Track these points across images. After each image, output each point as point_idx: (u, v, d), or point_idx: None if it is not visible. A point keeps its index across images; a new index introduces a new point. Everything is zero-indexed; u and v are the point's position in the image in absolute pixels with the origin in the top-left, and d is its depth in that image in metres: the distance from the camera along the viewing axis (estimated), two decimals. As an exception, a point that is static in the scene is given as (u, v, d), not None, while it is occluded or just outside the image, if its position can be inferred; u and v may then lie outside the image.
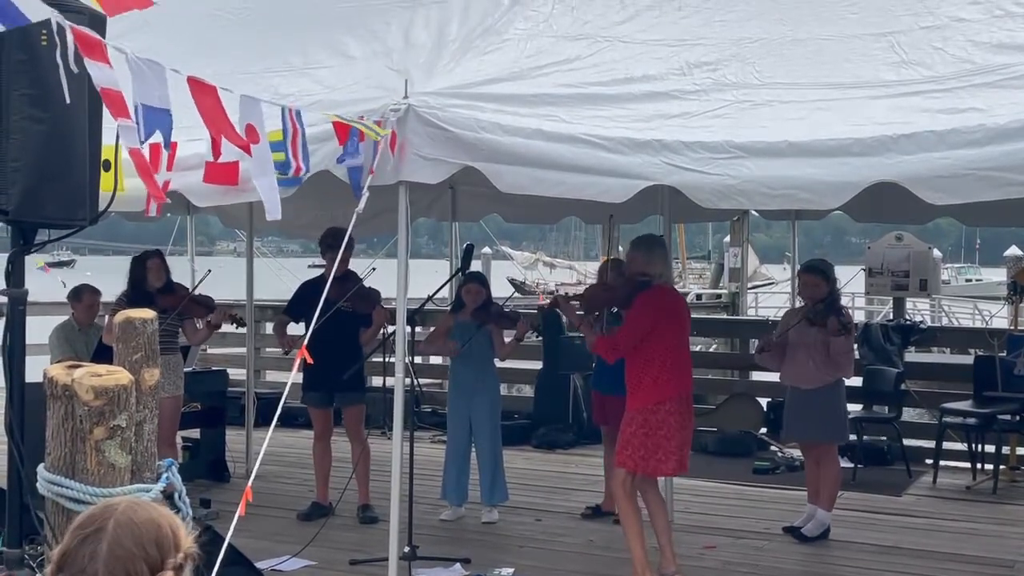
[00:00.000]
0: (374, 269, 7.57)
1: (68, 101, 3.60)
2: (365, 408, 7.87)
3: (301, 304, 7.43)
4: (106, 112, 4.04)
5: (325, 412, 7.83)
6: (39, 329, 7.61)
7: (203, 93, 4.05)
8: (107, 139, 4.14)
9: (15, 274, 4.00)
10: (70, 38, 3.43)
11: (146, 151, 5.29)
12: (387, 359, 7.93)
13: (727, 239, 25.48)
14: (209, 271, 8.37)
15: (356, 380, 7.61)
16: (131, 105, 3.74)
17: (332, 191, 6.22)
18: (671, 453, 6.01)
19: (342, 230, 6.16)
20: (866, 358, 10.04)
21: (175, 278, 7.86)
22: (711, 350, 17.28)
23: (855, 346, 7.41)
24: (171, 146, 5.34)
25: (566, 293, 9.19)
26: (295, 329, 7.92)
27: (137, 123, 3.80)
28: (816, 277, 7.24)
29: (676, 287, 7.53)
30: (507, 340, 7.81)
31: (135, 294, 7.38)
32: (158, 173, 5.42)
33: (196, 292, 7.83)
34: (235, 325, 8.07)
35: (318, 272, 8.33)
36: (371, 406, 7.96)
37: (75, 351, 7.85)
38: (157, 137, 3.96)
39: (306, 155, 5.01)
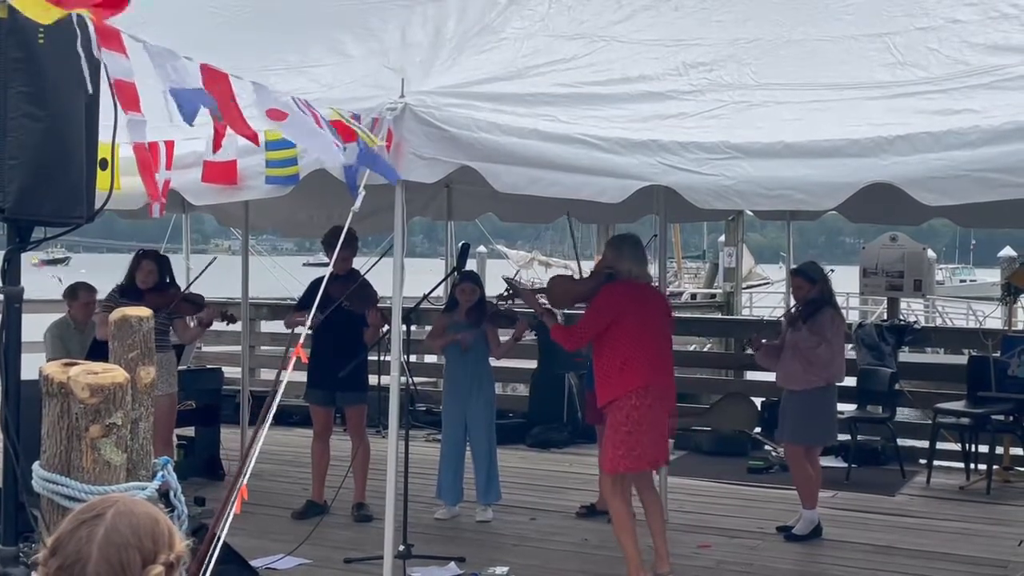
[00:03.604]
0: (385, 254, 7.43)
1: (91, 91, 3.60)
2: (367, 408, 7.87)
3: (311, 301, 7.40)
4: (102, 110, 4.04)
5: (326, 410, 7.83)
6: (35, 327, 7.60)
7: (215, 81, 4.03)
8: (104, 137, 4.14)
9: (11, 272, 4.00)
10: (91, 26, 3.42)
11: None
12: (382, 357, 7.94)
13: (722, 239, 25.50)
14: (214, 258, 8.37)
15: (359, 380, 7.60)
16: (159, 93, 3.71)
17: (328, 190, 6.22)
18: (636, 447, 5.91)
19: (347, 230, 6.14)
20: (860, 358, 10.07)
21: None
22: (705, 350, 17.29)
23: (840, 347, 7.44)
24: (168, 144, 5.37)
25: (532, 284, 9.20)
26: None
27: (179, 107, 3.78)
28: (798, 279, 7.46)
29: (669, 287, 7.53)
30: (504, 339, 7.81)
31: (127, 290, 7.44)
32: (158, 172, 5.42)
33: (190, 288, 7.84)
34: (226, 322, 8.07)
35: (315, 270, 8.33)
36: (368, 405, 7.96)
37: (69, 350, 7.84)
38: (204, 115, 3.93)
39: (333, 131, 4.98)
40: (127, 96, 3.57)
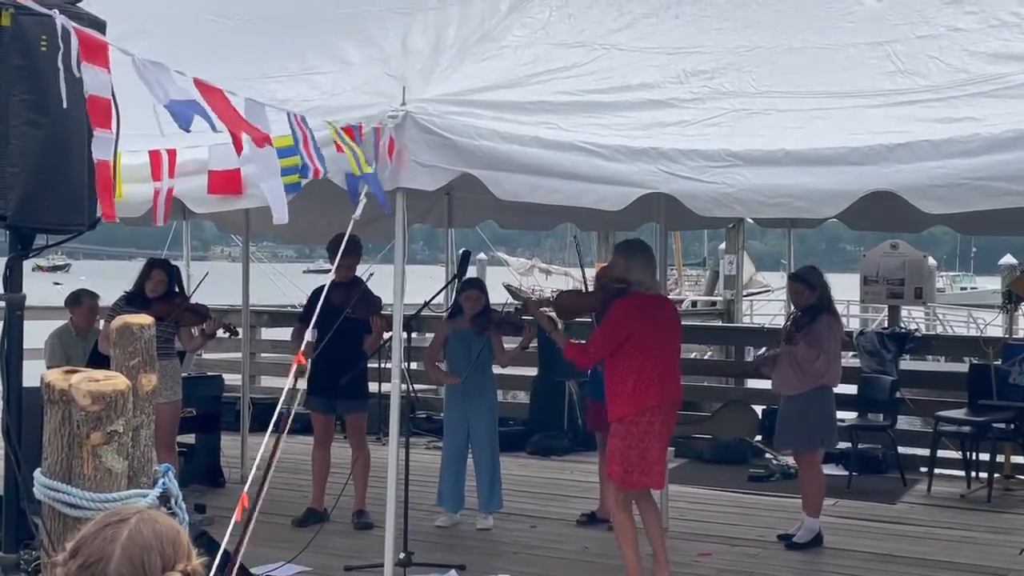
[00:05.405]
0: (371, 275, 7.55)
1: (65, 106, 3.59)
2: (368, 416, 7.86)
3: (314, 311, 7.40)
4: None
5: (327, 418, 7.82)
6: (36, 334, 7.61)
7: (210, 94, 4.04)
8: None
9: (13, 279, 4.00)
10: (74, 41, 3.42)
11: (146, 158, 5.33)
12: (383, 365, 7.94)
13: (723, 246, 25.50)
14: (207, 273, 8.39)
15: (359, 387, 7.59)
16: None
17: (330, 197, 6.23)
18: (654, 464, 5.95)
19: (350, 237, 6.14)
20: (862, 365, 10.06)
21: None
22: (705, 357, 17.28)
23: (836, 354, 7.43)
24: (170, 152, 5.37)
25: (538, 297, 9.26)
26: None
27: (174, 117, 3.79)
28: (797, 284, 7.40)
29: (670, 294, 7.53)
30: (511, 347, 7.78)
31: (134, 298, 7.44)
32: (160, 180, 5.43)
33: (192, 300, 7.84)
34: (228, 334, 8.07)
35: (315, 277, 8.35)
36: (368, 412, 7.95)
37: (69, 357, 7.84)
38: (200, 124, 3.93)
39: (320, 157, 5.00)
40: (99, 112, 3.55)
